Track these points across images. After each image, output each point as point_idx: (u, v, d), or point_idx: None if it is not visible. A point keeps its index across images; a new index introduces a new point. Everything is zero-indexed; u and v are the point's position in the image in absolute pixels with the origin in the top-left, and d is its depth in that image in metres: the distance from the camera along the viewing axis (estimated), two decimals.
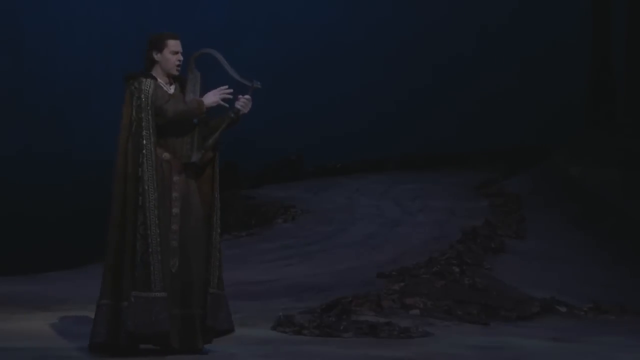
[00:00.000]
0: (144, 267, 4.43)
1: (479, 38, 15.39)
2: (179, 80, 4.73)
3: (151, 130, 4.52)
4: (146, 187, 4.48)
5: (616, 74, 13.18)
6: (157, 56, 4.66)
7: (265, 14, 15.69)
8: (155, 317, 4.42)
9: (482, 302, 6.69)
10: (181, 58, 4.67)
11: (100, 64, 14.65)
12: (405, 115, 14.97)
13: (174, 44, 4.67)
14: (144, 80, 4.60)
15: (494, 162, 13.83)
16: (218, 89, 4.66)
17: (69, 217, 13.03)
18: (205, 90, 4.71)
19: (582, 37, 13.77)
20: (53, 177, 13.76)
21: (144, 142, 4.51)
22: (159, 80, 4.66)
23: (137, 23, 14.21)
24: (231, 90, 4.69)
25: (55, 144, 14.35)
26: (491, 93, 15.03)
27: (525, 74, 15.13)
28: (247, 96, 4.69)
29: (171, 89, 4.69)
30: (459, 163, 14.14)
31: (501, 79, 15.03)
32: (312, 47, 15.13)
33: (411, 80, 15.09)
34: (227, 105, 4.70)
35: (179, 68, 4.69)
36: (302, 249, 9.39)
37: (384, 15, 15.44)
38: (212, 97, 4.65)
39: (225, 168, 14.22)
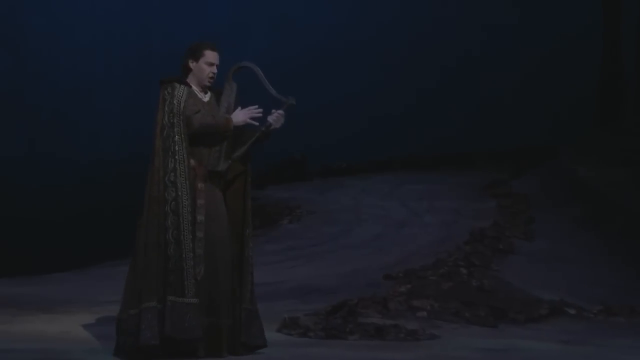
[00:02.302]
0: (178, 273, 4.45)
1: (486, 37, 15.36)
2: (214, 91, 4.75)
3: (183, 136, 4.54)
4: (180, 193, 4.49)
5: (626, 73, 13.14)
6: (192, 64, 4.68)
7: (270, 12, 15.69)
8: (189, 324, 4.45)
9: (490, 304, 6.68)
10: (216, 71, 4.69)
11: (103, 63, 14.67)
12: (411, 114, 14.96)
13: (211, 55, 4.69)
14: (177, 86, 4.61)
15: (502, 162, 13.81)
16: (248, 108, 4.69)
17: (73, 217, 13.04)
18: (240, 102, 4.73)
19: (592, 35, 13.75)
20: (57, 178, 13.78)
21: (176, 147, 4.52)
22: (194, 87, 4.68)
23: (140, 22, 14.24)
24: (261, 110, 4.71)
25: (58, 144, 14.37)
26: (498, 92, 15.01)
27: (533, 73, 15.10)
28: (280, 111, 4.71)
29: (206, 97, 4.71)
30: (466, 163, 14.12)
31: (508, 78, 15.01)
32: (317, 46, 15.12)
33: (418, 80, 15.07)
34: (256, 123, 4.71)
35: (212, 80, 4.70)
36: (307, 250, 9.38)
37: (389, 15, 15.43)
38: (241, 116, 4.67)
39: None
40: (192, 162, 4.61)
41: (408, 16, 15.38)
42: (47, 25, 15.06)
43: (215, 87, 4.77)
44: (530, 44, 15.18)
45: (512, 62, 15.17)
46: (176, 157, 4.51)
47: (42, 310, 6.11)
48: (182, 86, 4.63)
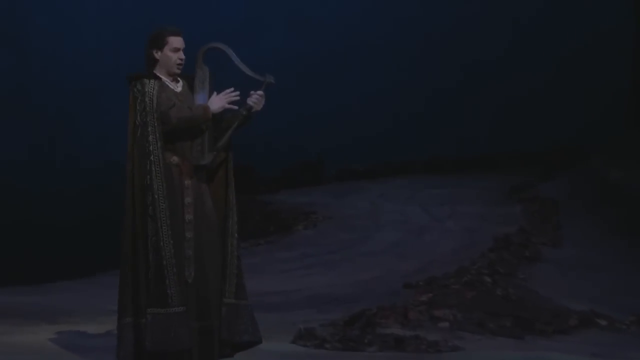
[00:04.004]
0: (160, 281, 4.40)
1: (511, 34, 15.31)
2: (185, 78, 4.65)
3: (157, 135, 4.46)
4: (156, 196, 4.42)
5: None
6: (157, 54, 4.57)
7: (284, 9, 15.71)
8: (175, 333, 4.40)
9: (516, 315, 6.65)
10: (183, 56, 4.58)
11: (110, 62, 14.73)
12: (433, 114, 14.93)
13: (175, 41, 4.57)
14: (147, 81, 4.51)
15: (528, 164, 13.76)
16: (224, 92, 4.58)
17: (78, 224, 13.09)
18: (216, 86, 4.65)
19: (624, 31, 13.67)
20: (61, 181, 13.84)
21: (151, 147, 4.44)
22: (164, 79, 4.59)
23: (148, 20, 14.27)
24: (237, 93, 4.59)
25: (63, 146, 14.44)
26: (524, 91, 14.96)
27: (561, 71, 15.03)
28: (259, 92, 4.59)
29: (178, 87, 4.62)
30: (491, 166, 14.08)
31: (536, 77, 14.95)
32: (334, 45, 15.13)
33: (439, 78, 15.04)
34: (235, 107, 4.61)
35: (180, 67, 4.59)
36: (323, 258, 9.38)
37: (410, 12, 15.41)
38: (219, 103, 4.56)
39: (241, 172, 14.30)
40: (176, 159, 4.53)
41: (429, 12, 15.36)
42: (52, 23, 15.15)
43: (186, 73, 4.65)
44: (558, 40, 15.12)
45: (540, 59, 15.12)
46: (151, 158, 4.43)
47: (45, 320, 6.13)
48: (152, 81, 4.52)
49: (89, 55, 15.06)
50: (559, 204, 11.36)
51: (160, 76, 4.59)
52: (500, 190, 12.51)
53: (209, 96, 4.61)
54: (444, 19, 15.27)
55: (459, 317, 6.51)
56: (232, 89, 4.59)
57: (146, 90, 4.51)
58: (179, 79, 4.63)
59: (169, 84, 4.60)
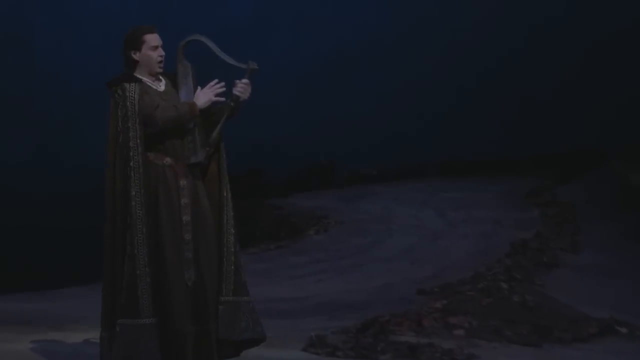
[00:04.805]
0: (132, 291, 4.36)
1: (528, 35, 15.28)
2: (167, 75, 4.61)
3: (139, 141, 4.42)
4: (133, 204, 4.40)
5: None
6: (136, 55, 4.54)
7: (295, 8, 15.72)
8: (145, 347, 4.33)
9: (533, 322, 6.63)
10: (162, 53, 4.54)
11: (117, 65, 14.75)
12: (447, 116, 14.90)
13: (152, 39, 4.54)
14: (127, 85, 4.48)
15: (545, 167, 13.73)
16: (208, 85, 4.54)
17: (85, 228, 13.08)
18: (199, 80, 4.59)
19: None
20: (67, 185, 13.88)
21: (131, 153, 4.41)
22: (145, 80, 4.55)
23: (156, 20, 14.29)
24: (222, 84, 4.54)
25: (70, 149, 14.49)
26: (542, 92, 14.92)
27: (579, 71, 14.99)
28: (244, 80, 4.54)
29: (161, 86, 4.58)
30: (507, 169, 14.05)
31: (553, 77, 14.91)
32: (346, 46, 15.12)
33: (454, 80, 15.02)
34: (222, 99, 4.56)
35: (162, 64, 4.55)
36: (335, 263, 9.38)
37: (423, 12, 15.40)
38: (205, 97, 4.52)
39: (250, 175, 14.33)
40: (169, 160, 4.49)
41: (443, 12, 15.34)
42: (57, 23, 15.20)
43: (167, 70, 4.61)
44: (577, 40, 15.08)
45: (557, 60, 15.08)
46: (131, 164, 4.41)
47: (52, 327, 6.14)
48: (132, 84, 4.49)
49: (95, 59, 15.11)
50: (577, 208, 11.33)
51: (142, 77, 4.55)
52: (517, 194, 12.49)
53: (194, 91, 4.57)
54: (459, 18, 15.25)
55: (474, 324, 6.49)
56: (216, 80, 4.55)
57: (127, 94, 4.47)
58: (160, 77, 4.59)
59: (151, 85, 4.56)
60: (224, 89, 4.55)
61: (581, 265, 9.09)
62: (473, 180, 13.55)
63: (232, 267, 4.53)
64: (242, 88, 4.54)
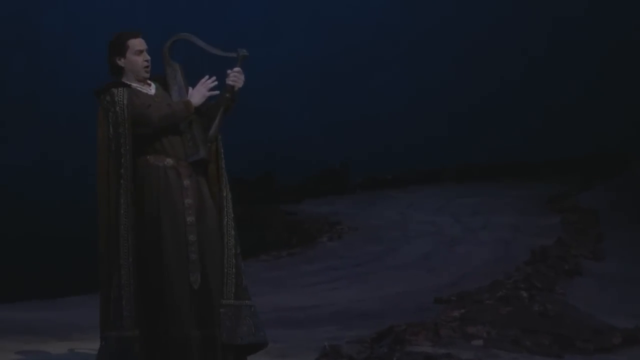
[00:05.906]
0: (117, 302, 4.40)
1: (550, 39, 15.25)
2: (157, 79, 4.64)
3: (128, 147, 4.46)
4: (122, 212, 4.44)
5: None
6: (121, 62, 4.57)
7: (307, 9, 15.75)
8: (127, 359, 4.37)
9: (555, 332, 6.61)
10: (148, 57, 4.57)
11: None
12: (465, 120, 14.89)
13: (136, 43, 4.57)
14: (115, 91, 4.51)
15: (567, 172, 13.70)
16: (200, 82, 4.57)
17: (91, 235, 13.15)
18: (189, 79, 4.58)
19: None
20: (72, 191, 13.94)
21: (122, 160, 4.45)
22: (134, 85, 4.57)
23: (163, 22, 14.37)
24: (214, 78, 4.57)
25: (74, 153, 14.54)
26: (564, 94, 14.89)
27: (603, 73, 14.96)
28: (236, 68, 4.56)
29: (151, 90, 4.60)
30: (527, 173, 14.03)
31: (576, 78, 14.88)
32: (361, 48, 15.13)
33: (473, 83, 15.01)
34: (217, 92, 4.58)
35: (148, 69, 4.58)
36: (349, 271, 9.38)
37: (443, 13, 15.39)
38: (199, 94, 4.55)
39: (262, 180, 14.35)
40: (170, 161, 4.51)
41: (463, 13, 15.33)
42: (63, 25, 15.28)
43: (155, 73, 4.64)
44: (601, 40, 15.04)
45: (579, 64, 15.05)
46: (121, 170, 4.45)
47: (58, 337, 6.16)
48: (121, 89, 4.52)
49: (101, 59, 15.16)
50: (600, 214, 11.30)
51: (130, 83, 4.57)
52: (537, 200, 12.46)
53: (186, 90, 4.60)
54: (480, 19, 15.23)
55: (493, 334, 6.48)
56: (207, 76, 4.58)
57: (116, 99, 4.50)
58: (150, 82, 4.61)
59: (140, 89, 4.58)
60: (216, 82, 4.58)
61: (604, 273, 9.06)
62: (491, 185, 13.54)
63: (233, 269, 4.55)
64: (235, 77, 4.56)
